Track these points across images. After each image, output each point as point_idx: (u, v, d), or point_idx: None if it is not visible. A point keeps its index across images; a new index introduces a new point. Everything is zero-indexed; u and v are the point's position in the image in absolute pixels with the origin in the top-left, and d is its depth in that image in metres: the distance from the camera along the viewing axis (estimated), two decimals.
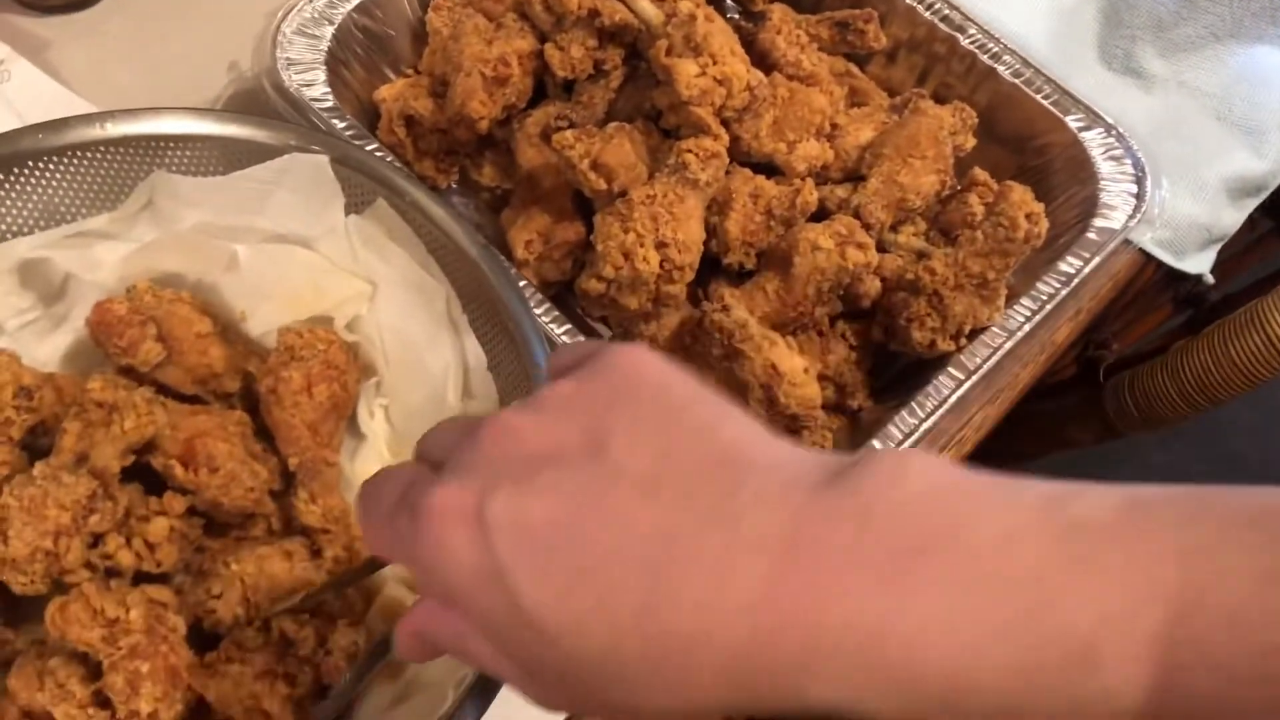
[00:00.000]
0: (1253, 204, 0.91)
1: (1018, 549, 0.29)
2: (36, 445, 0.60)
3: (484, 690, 0.51)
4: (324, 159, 0.63)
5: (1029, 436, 1.09)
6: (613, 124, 0.70)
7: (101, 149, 0.62)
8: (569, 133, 0.69)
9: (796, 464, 0.32)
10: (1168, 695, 0.27)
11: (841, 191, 0.75)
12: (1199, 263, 0.89)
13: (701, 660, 0.30)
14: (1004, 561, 0.29)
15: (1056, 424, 1.05)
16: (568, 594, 0.31)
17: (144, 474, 0.60)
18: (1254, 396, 2.01)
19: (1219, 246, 0.91)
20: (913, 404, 0.66)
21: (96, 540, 0.56)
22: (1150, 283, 1.07)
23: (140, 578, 0.58)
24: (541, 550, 0.31)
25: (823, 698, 0.29)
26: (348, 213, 0.65)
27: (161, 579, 0.60)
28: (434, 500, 0.33)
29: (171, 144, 0.63)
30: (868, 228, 0.72)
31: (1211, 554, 0.28)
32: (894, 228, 0.75)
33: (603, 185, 0.68)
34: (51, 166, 0.62)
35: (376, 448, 0.66)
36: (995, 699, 0.28)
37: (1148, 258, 0.88)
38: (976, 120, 0.78)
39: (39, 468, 0.56)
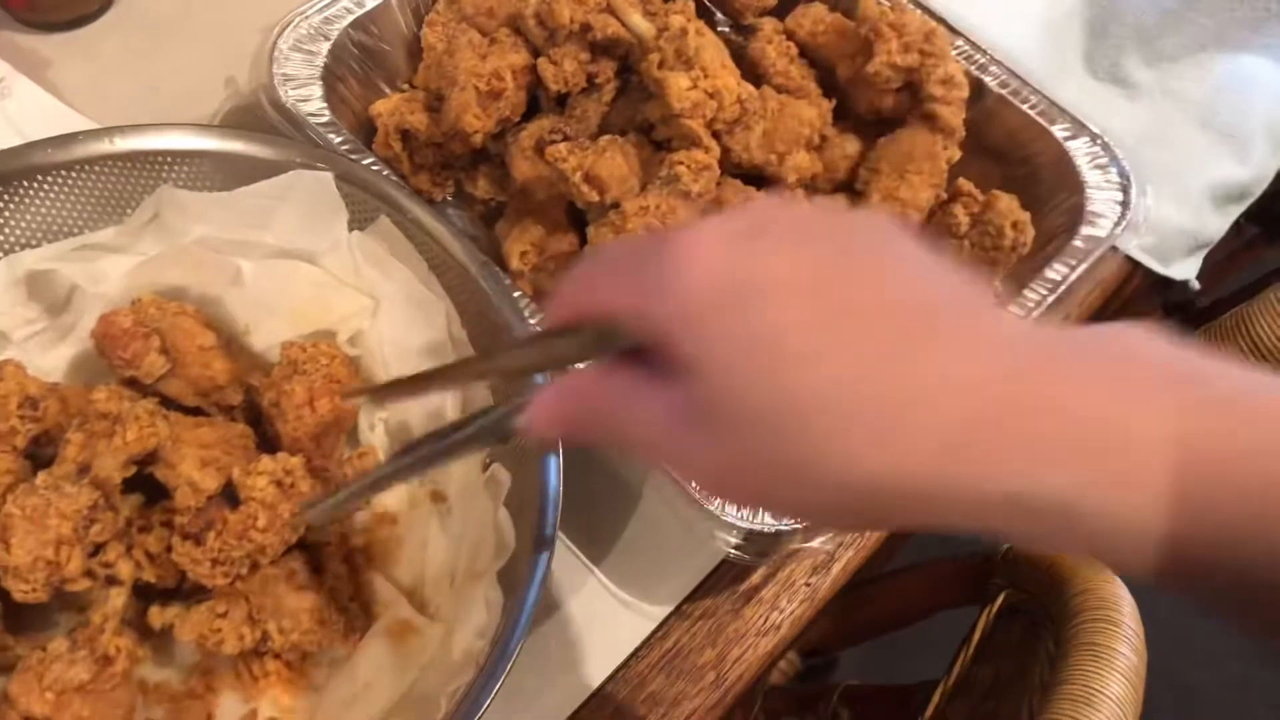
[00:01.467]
0: (1237, 210, 0.93)
1: (1266, 399, 0.30)
2: (40, 455, 0.61)
3: (477, 700, 0.51)
4: (328, 175, 0.64)
5: None
6: (605, 137, 0.71)
7: (109, 164, 0.64)
8: (562, 146, 0.70)
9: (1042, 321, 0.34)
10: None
11: (832, 201, 0.76)
12: (1185, 269, 0.90)
13: (939, 418, 0.30)
14: (1251, 404, 0.30)
15: None
16: (819, 328, 0.31)
17: (145, 486, 0.61)
18: None
19: (1205, 253, 0.92)
20: None
21: (97, 549, 0.57)
22: (1139, 290, 1.08)
23: (140, 588, 0.59)
24: (805, 285, 0.31)
25: (1048, 485, 0.30)
26: (351, 229, 0.66)
27: (162, 591, 0.61)
28: (688, 236, 0.32)
29: (176, 159, 0.65)
30: None
31: None
32: None
33: (595, 197, 0.69)
34: (59, 180, 0.63)
35: (376, 461, 0.67)
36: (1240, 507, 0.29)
37: (1135, 265, 0.90)
38: (964, 133, 0.79)
39: (42, 477, 0.57)
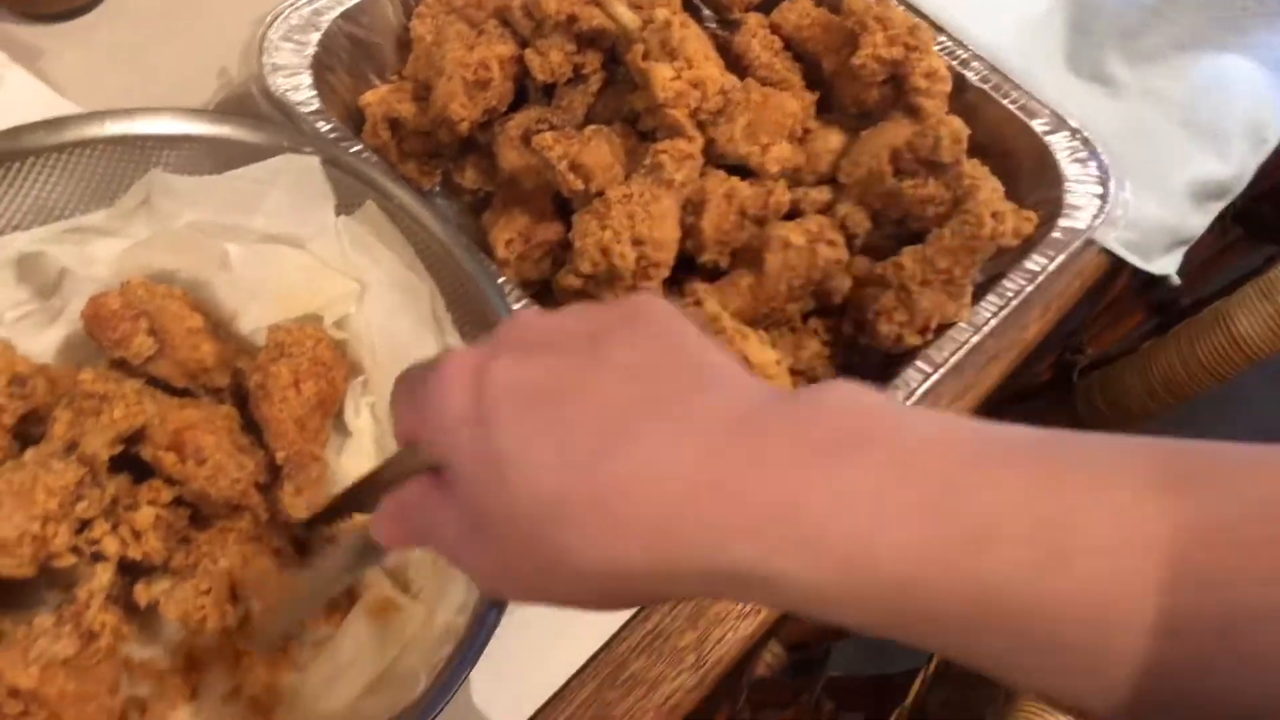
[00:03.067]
0: (1217, 208, 0.94)
1: (940, 450, 0.32)
2: (28, 435, 0.61)
3: (454, 674, 0.52)
4: (316, 161, 0.65)
5: None
6: (591, 127, 0.72)
7: (100, 147, 0.65)
8: (548, 135, 0.71)
9: (763, 387, 0.36)
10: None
11: (815, 193, 0.77)
12: (1166, 264, 0.91)
13: (637, 511, 0.33)
14: (924, 457, 0.32)
15: (1028, 424, 1.07)
16: (536, 438, 0.34)
17: (132, 466, 0.61)
18: (1232, 414, 2.04)
19: (1185, 249, 0.93)
20: None
21: (83, 526, 0.58)
22: (1124, 290, 1.09)
23: (125, 565, 0.60)
24: (523, 405, 0.35)
25: (738, 558, 0.32)
26: (338, 214, 0.67)
27: (147, 569, 0.61)
28: (447, 364, 0.37)
29: (167, 144, 0.66)
30: (853, 236, 0.75)
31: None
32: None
33: (581, 185, 0.70)
34: (51, 163, 0.64)
35: (362, 444, 0.68)
36: (892, 571, 0.31)
37: (1119, 264, 0.90)
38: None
39: (29, 454, 0.57)
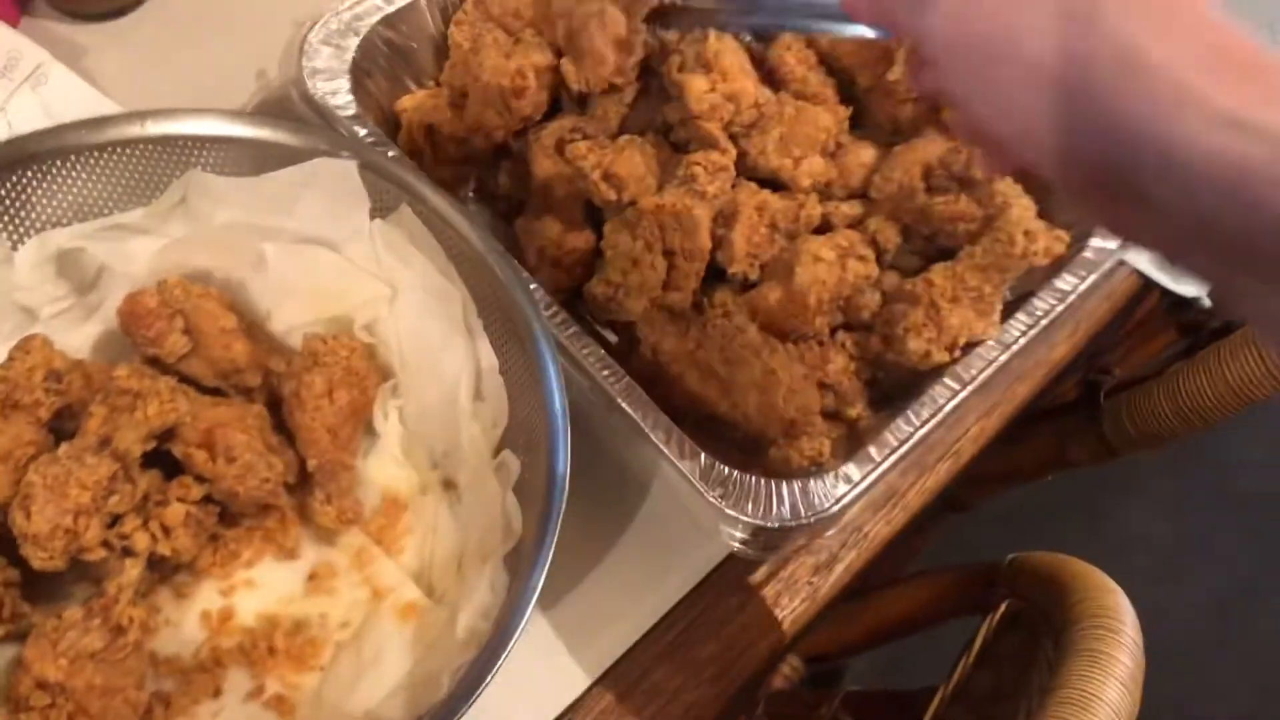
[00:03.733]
0: None
1: None
2: (63, 430, 0.62)
3: (478, 678, 0.52)
4: (352, 164, 0.66)
5: (1028, 455, 1.11)
6: (624, 137, 0.73)
7: (141, 146, 0.66)
8: (582, 144, 0.71)
9: None
10: None
11: (846, 208, 0.77)
12: (1195, 286, 0.91)
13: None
14: None
15: (1055, 444, 1.07)
16: None
17: (163, 463, 0.62)
18: (1260, 434, 2.01)
19: None
20: (909, 413, 0.67)
21: (115, 521, 0.59)
22: (1153, 311, 1.09)
23: (153, 561, 0.60)
24: None
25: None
26: (373, 218, 0.68)
27: (175, 565, 0.62)
28: None
29: (206, 144, 0.67)
30: (883, 252, 0.75)
31: None
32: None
33: (613, 195, 0.70)
34: (91, 162, 0.65)
35: (389, 448, 0.68)
36: None
37: (1149, 285, 0.90)
38: None
39: (64, 448, 0.58)
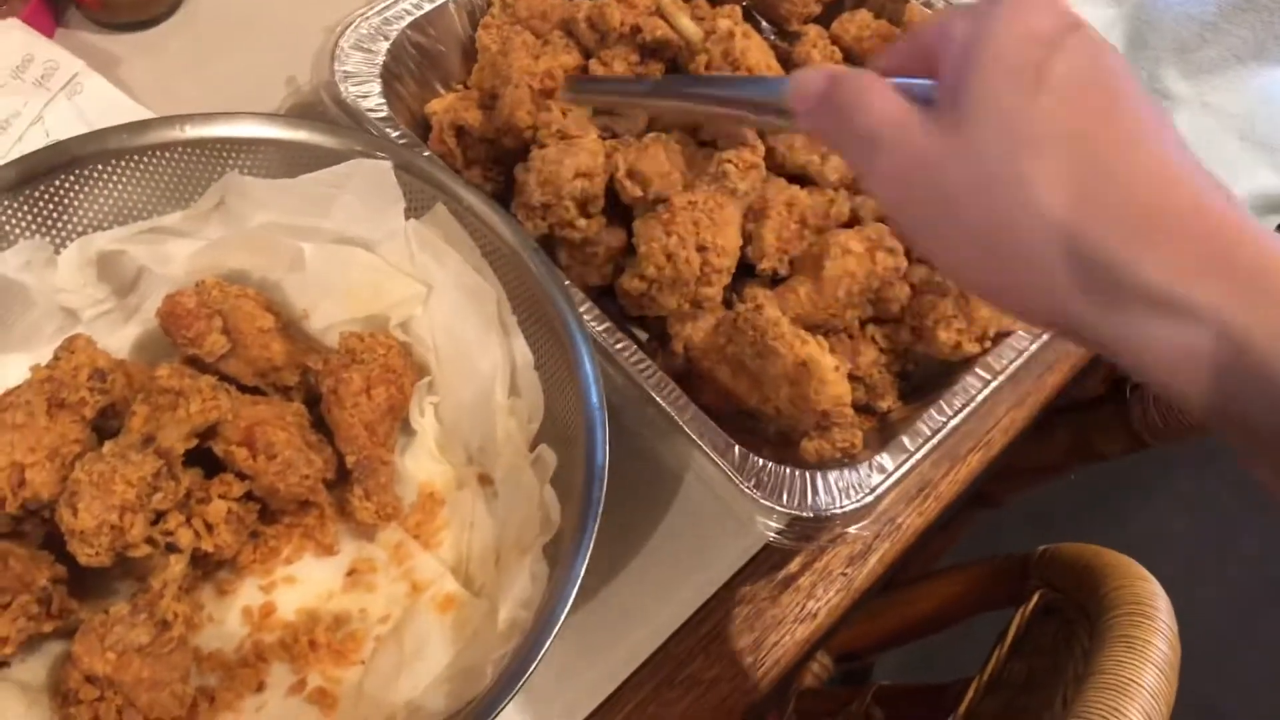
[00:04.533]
0: (1277, 220, 0.93)
1: None
2: (106, 428, 0.63)
3: (520, 668, 0.52)
4: (387, 164, 0.67)
5: (1057, 447, 1.11)
6: (649, 134, 0.73)
7: (178, 150, 0.66)
8: (608, 142, 0.72)
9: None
10: None
11: (874, 202, 0.77)
12: None
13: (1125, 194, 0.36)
14: None
15: (1084, 436, 1.07)
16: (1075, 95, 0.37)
17: (204, 461, 0.63)
18: None
19: None
20: (940, 403, 0.68)
21: (158, 518, 0.59)
22: None
23: (196, 558, 0.61)
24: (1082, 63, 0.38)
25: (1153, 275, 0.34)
26: (407, 217, 0.69)
27: (218, 561, 0.63)
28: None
29: (243, 147, 0.67)
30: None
31: None
32: None
33: (638, 192, 0.71)
34: (131, 166, 0.66)
35: (426, 444, 0.69)
36: None
37: None
38: None
39: (108, 446, 0.59)
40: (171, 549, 0.60)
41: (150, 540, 0.59)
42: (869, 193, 0.45)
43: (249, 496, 0.64)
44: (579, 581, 0.55)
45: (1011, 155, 0.37)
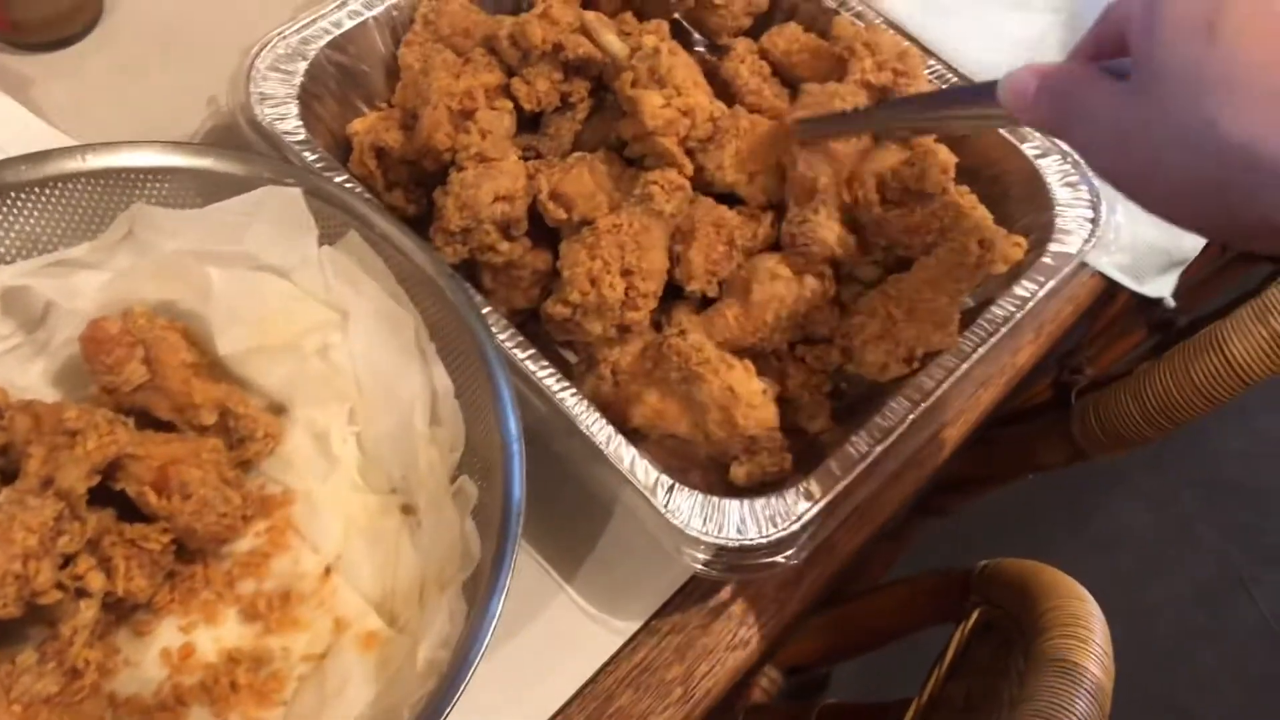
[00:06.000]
0: None
1: None
2: (9, 469, 0.61)
3: (436, 710, 0.51)
4: (297, 192, 0.65)
5: (999, 459, 1.10)
6: (574, 155, 0.72)
7: (82, 180, 0.65)
8: (531, 164, 0.71)
9: None
10: None
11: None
12: (1160, 286, 0.91)
13: None
14: None
15: (1026, 447, 1.06)
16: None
17: (120, 500, 0.61)
18: (1242, 425, 2.02)
19: (1180, 270, 0.93)
20: (870, 426, 0.67)
21: (67, 562, 0.58)
22: (1125, 308, 1.09)
23: (111, 601, 0.59)
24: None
25: None
26: (321, 244, 0.67)
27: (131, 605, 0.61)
28: None
29: (150, 176, 0.66)
30: (840, 264, 0.74)
31: None
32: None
33: (563, 215, 0.70)
34: (34, 197, 0.64)
35: (347, 473, 0.68)
36: None
37: (1116, 285, 0.90)
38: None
39: (4, 494, 0.57)
40: (81, 594, 0.58)
41: (60, 585, 0.57)
42: (1093, 166, 0.48)
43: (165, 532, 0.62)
44: (496, 621, 0.54)
45: (1196, 104, 0.40)
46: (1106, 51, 0.49)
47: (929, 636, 0.95)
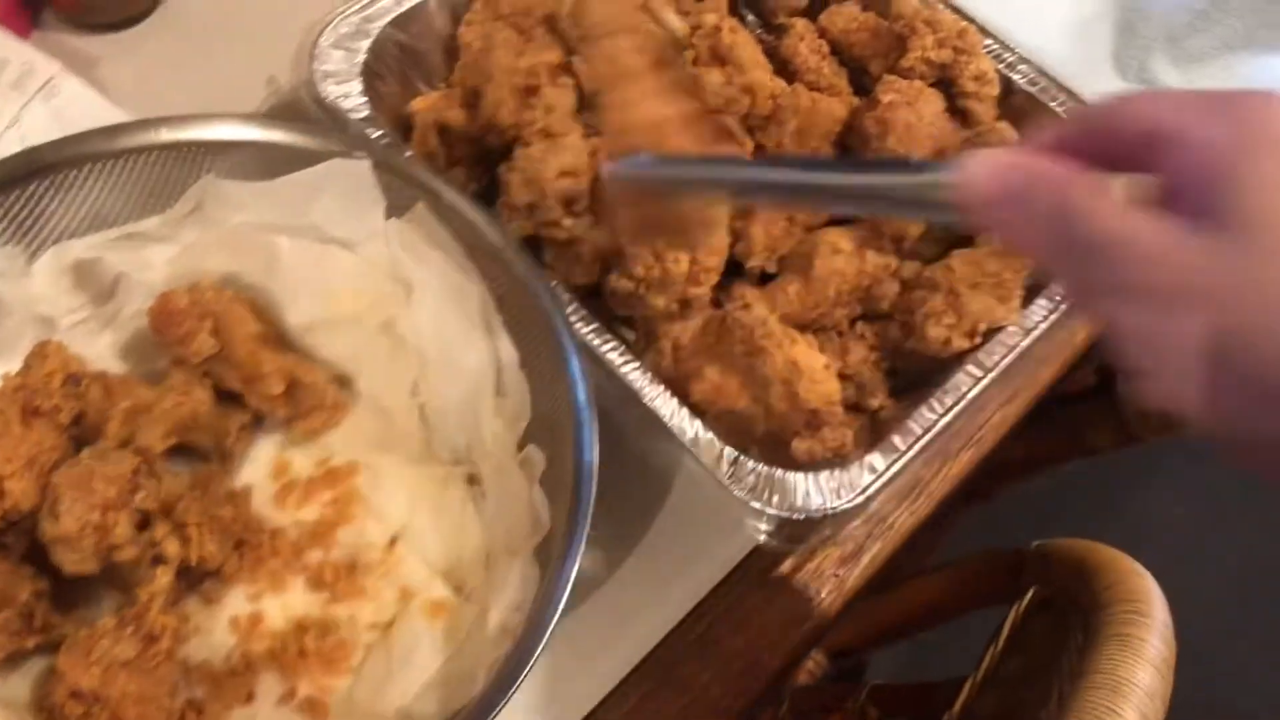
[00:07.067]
0: None
1: None
2: (85, 440, 0.62)
3: (512, 673, 0.52)
4: (366, 164, 0.66)
5: (1050, 441, 1.10)
6: None
7: (154, 153, 0.65)
8: (593, 140, 0.71)
9: None
10: None
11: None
12: None
13: None
14: None
15: (1076, 429, 1.06)
16: None
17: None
18: None
19: None
20: (931, 401, 0.67)
21: (145, 522, 0.58)
22: None
23: (183, 569, 0.60)
24: None
25: None
26: (388, 217, 0.68)
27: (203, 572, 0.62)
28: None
29: (220, 149, 0.66)
30: (901, 240, 0.74)
31: None
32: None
33: None
34: (106, 170, 0.65)
35: (412, 445, 0.69)
36: None
37: None
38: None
39: (86, 451, 0.58)
40: (158, 560, 0.59)
41: (136, 545, 0.58)
42: (1086, 308, 0.36)
43: None
44: (570, 584, 0.54)
45: None
46: (1094, 159, 0.36)
47: (966, 623, 0.95)
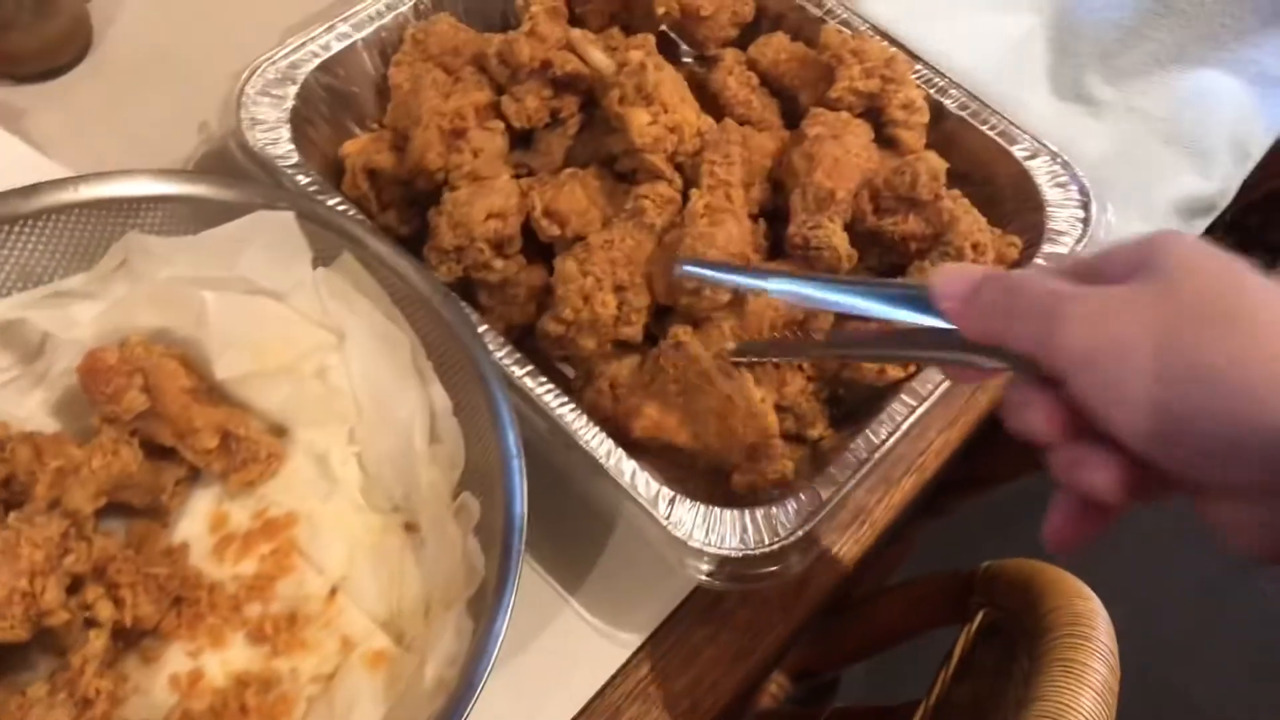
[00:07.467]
0: (1203, 224, 0.94)
1: None
2: (13, 502, 0.61)
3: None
4: (290, 215, 0.65)
5: (1000, 460, 1.10)
6: (566, 171, 0.72)
7: (76, 211, 0.65)
8: (523, 181, 0.71)
9: None
10: None
11: None
12: None
13: None
14: None
15: (1027, 446, 1.06)
16: None
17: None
18: None
19: None
20: (868, 431, 0.67)
21: (76, 586, 0.58)
22: None
23: (119, 630, 0.59)
24: None
25: None
26: (315, 266, 0.67)
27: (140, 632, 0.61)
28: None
29: (143, 205, 0.66)
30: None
31: None
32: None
33: (556, 231, 0.70)
34: (27, 230, 0.64)
35: (349, 493, 0.68)
36: None
37: None
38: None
39: (12, 515, 0.58)
40: (91, 623, 0.58)
41: (68, 611, 0.57)
42: (1056, 361, 0.41)
43: None
44: (502, 637, 0.54)
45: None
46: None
47: (940, 636, 0.95)
